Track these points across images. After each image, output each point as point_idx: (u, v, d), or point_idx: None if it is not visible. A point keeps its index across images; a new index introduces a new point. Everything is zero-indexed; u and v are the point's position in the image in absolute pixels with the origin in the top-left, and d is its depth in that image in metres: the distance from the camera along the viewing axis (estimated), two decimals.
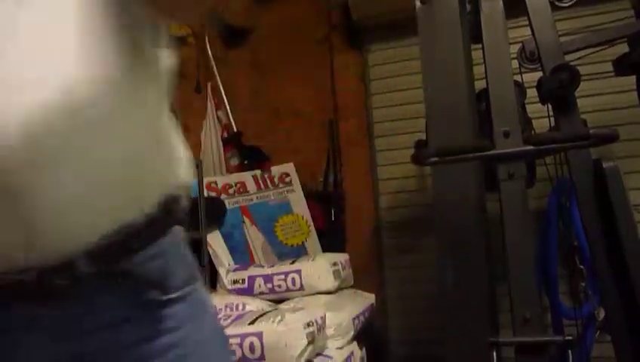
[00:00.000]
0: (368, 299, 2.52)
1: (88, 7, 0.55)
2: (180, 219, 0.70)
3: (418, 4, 1.85)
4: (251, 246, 2.91)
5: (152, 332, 0.64)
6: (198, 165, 2.61)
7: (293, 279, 2.31)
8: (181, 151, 0.71)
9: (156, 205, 0.64)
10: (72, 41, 0.54)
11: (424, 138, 2.13)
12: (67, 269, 0.56)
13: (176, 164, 0.70)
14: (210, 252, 2.65)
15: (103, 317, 0.61)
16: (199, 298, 0.72)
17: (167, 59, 0.72)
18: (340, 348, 2.03)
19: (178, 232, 0.70)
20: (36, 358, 0.59)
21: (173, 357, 0.65)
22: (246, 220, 2.95)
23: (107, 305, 0.61)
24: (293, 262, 2.40)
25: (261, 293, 2.36)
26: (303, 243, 3.03)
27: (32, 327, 0.59)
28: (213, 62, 3.18)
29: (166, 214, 0.66)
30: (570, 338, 1.52)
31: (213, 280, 2.56)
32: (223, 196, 2.90)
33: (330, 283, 2.29)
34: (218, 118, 3.19)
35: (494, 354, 1.55)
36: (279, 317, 1.77)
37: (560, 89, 1.65)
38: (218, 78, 3.20)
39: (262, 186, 3.06)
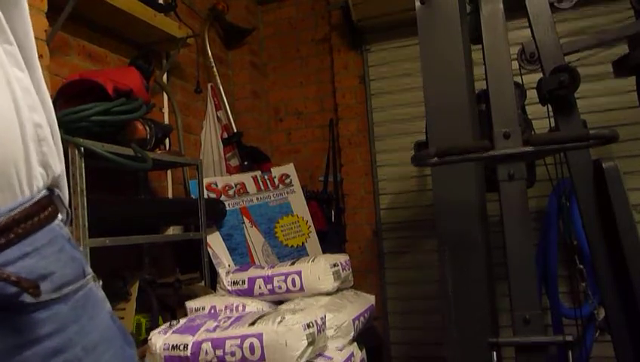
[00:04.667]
0: (368, 299, 2.52)
1: None
2: (56, 213, 0.64)
3: (418, 4, 1.85)
4: (251, 248, 2.91)
5: (28, 338, 0.57)
6: (198, 166, 2.61)
7: (293, 280, 2.31)
8: (49, 136, 0.63)
9: (24, 197, 0.58)
10: None
11: (424, 139, 2.13)
12: None
13: (46, 150, 0.62)
14: (210, 253, 2.65)
15: None
16: (86, 297, 0.65)
17: None
18: (340, 349, 2.03)
19: (57, 227, 0.64)
20: None
21: None
22: (246, 221, 2.95)
23: None
24: (293, 263, 2.40)
25: (261, 294, 2.36)
26: (303, 244, 3.04)
27: None
28: (213, 63, 3.18)
29: (38, 208, 0.59)
30: (570, 338, 1.52)
31: (213, 281, 2.56)
32: (222, 197, 2.91)
33: (331, 284, 2.29)
34: (218, 118, 3.19)
35: (494, 354, 1.55)
36: (279, 318, 1.77)
37: (560, 90, 1.65)
38: (218, 78, 3.20)
39: (262, 187, 3.06)
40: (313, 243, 3.05)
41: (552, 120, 1.79)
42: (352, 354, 2.08)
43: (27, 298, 0.57)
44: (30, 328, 0.57)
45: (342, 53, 3.43)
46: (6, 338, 0.56)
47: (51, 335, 0.59)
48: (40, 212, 0.60)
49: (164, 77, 2.75)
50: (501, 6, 1.74)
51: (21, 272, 0.56)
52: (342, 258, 2.52)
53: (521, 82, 2.01)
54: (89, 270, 0.67)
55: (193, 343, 1.78)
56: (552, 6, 1.75)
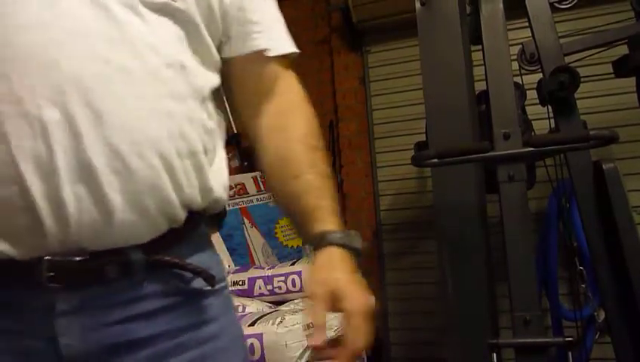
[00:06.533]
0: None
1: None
2: (209, 221, 0.73)
3: (418, 5, 1.85)
4: (251, 248, 2.91)
5: (196, 321, 0.66)
6: None
7: (293, 280, 2.31)
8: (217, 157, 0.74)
9: (199, 204, 0.67)
10: None
11: (424, 139, 2.13)
12: (119, 257, 0.59)
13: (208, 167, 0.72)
14: None
15: (152, 304, 0.62)
16: (228, 296, 0.75)
17: None
18: None
19: (204, 230, 0.73)
20: (83, 341, 0.59)
21: (210, 349, 0.67)
22: (246, 222, 2.95)
23: (155, 292, 0.63)
24: (293, 264, 2.40)
25: (261, 295, 2.36)
26: (303, 244, 3.03)
27: (80, 311, 0.59)
28: None
29: (203, 213, 0.69)
30: (570, 339, 1.52)
31: None
32: None
33: None
34: None
35: (494, 355, 1.55)
36: (279, 319, 1.77)
37: (560, 90, 1.65)
38: None
39: (262, 188, 3.06)
40: None
41: (552, 121, 1.79)
42: None
43: (203, 285, 0.66)
44: (198, 312, 0.66)
45: (342, 54, 3.43)
46: (182, 319, 0.64)
47: (211, 321, 0.68)
48: (203, 217, 0.71)
49: None
50: (501, 6, 1.74)
51: (194, 263, 0.66)
52: None
53: (521, 83, 2.00)
54: (225, 274, 0.78)
55: None
56: (552, 6, 1.75)
